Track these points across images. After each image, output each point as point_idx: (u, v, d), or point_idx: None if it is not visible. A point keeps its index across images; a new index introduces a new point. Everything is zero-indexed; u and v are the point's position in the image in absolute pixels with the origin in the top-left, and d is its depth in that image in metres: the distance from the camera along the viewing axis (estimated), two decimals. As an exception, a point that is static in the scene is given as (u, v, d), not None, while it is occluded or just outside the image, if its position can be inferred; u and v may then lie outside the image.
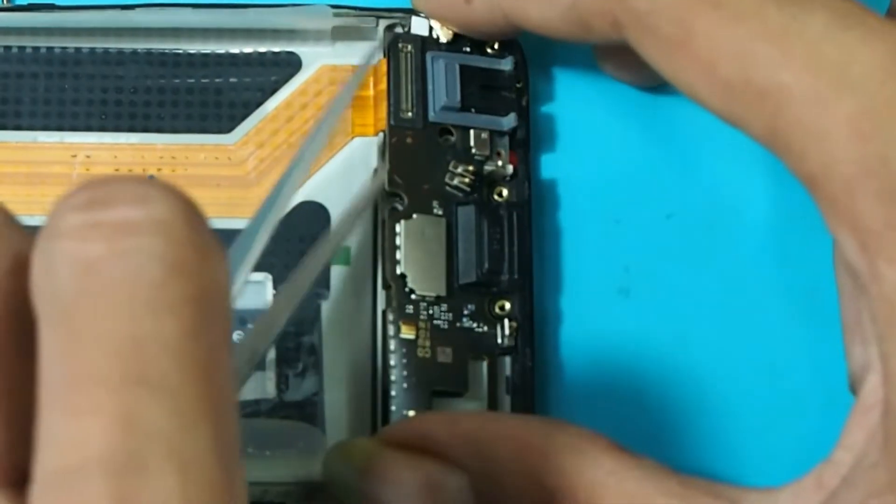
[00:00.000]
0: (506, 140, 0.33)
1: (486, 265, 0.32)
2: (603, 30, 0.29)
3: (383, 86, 0.34)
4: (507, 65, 0.34)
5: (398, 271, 0.32)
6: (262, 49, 0.34)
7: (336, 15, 0.34)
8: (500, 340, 0.32)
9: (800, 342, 0.33)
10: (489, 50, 0.34)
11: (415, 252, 0.32)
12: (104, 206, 0.20)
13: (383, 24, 0.34)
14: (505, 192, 0.33)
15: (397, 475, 0.28)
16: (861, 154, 0.24)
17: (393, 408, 0.31)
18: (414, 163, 0.33)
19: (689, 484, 0.28)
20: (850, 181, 0.24)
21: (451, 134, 0.33)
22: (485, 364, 0.32)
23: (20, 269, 0.20)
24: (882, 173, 0.24)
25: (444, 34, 0.34)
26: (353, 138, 0.34)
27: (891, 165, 0.24)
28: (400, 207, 0.32)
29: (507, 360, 0.32)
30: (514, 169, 0.33)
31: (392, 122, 0.33)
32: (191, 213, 0.20)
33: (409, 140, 0.33)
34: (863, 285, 0.26)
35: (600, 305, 0.34)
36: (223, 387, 0.20)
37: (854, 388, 0.30)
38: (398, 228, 0.32)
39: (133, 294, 0.19)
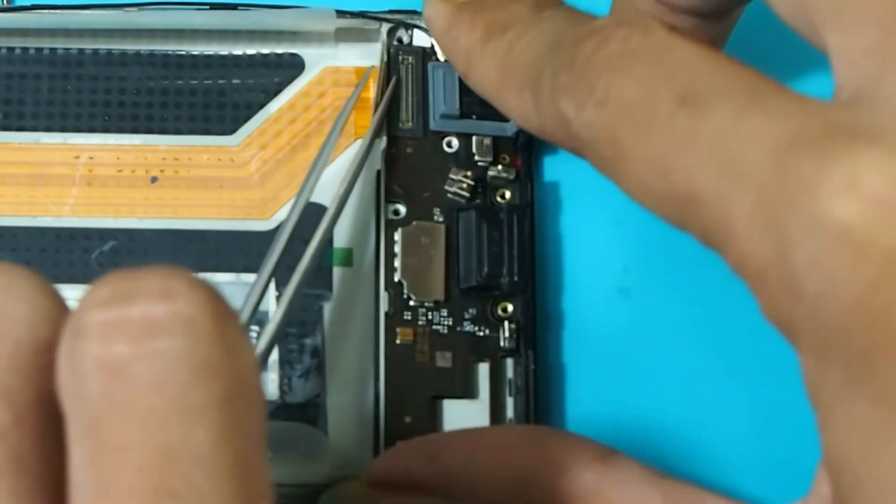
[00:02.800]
0: (509, 145, 0.33)
1: (486, 268, 0.32)
2: (566, 145, 0.28)
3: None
4: (510, 68, 0.34)
5: (395, 279, 0.32)
6: (266, 51, 0.34)
7: (339, 17, 0.34)
8: (502, 343, 0.32)
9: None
10: (492, 53, 0.34)
11: (412, 259, 0.32)
12: (127, 302, 0.19)
13: (386, 26, 0.34)
14: (507, 195, 0.33)
15: None
16: (761, 248, 0.23)
17: (393, 413, 0.32)
18: (414, 172, 0.33)
19: (673, 494, 0.28)
20: (759, 277, 0.23)
21: (454, 141, 0.33)
22: (487, 367, 0.32)
23: (53, 348, 0.20)
24: (782, 267, 0.22)
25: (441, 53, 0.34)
26: (355, 140, 0.34)
27: (790, 257, 0.22)
28: (399, 216, 0.33)
29: (510, 362, 0.32)
30: (517, 172, 0.33)
31: (391, 133, 0.33)
32: (216, 306, 0.20)
33: (409, 150, 0.33)
34: None
35: (600, 305, 0.34)
36: (257, 490, 0.19)
37: None
38: (396, 237, 0.33)
39: (160, 401, 0.19)
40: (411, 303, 0.32)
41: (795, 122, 0.22)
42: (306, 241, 0.33)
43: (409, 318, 0.32)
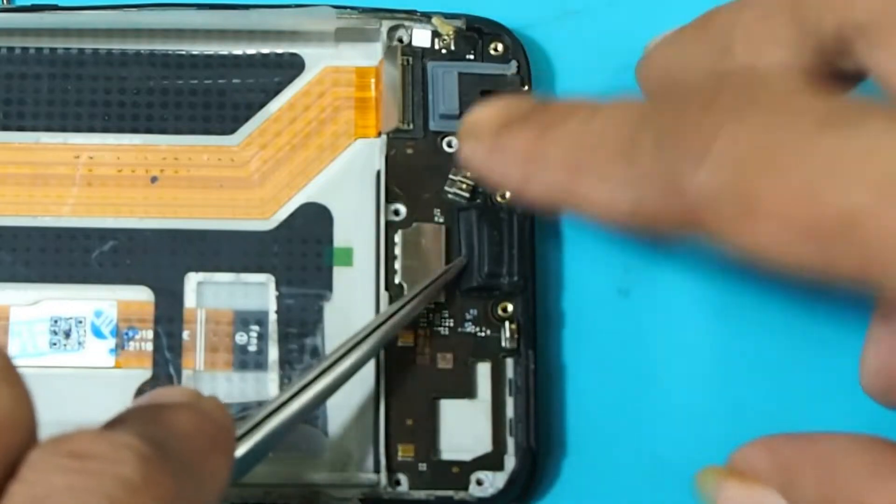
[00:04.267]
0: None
1: (486, 268, 0.32)
2: (671, 217, 0.27)
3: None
4: (510, 69, 0.34)
5: (396, 281, 0.32)
6: (266, 50, 0.34)
7: (339, 16, 0.34)
8: (503, 343, 0.32)
9: (800, 342, 0.33)
10: (492, 52, 0.34)
11: (412, 261, 0.32)
12: None
13: (386, 25, 0.34)
14: (507, 195, 0.33)
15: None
16: None
17: (393, 414, 0.32)
18: (414, 172, 0.33)
19: None
20: None
21: (454, 141, 0.33)
22: (488, 367, 0.32)
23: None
24: None
25: (444, 42, 0.34)
26: (355, 140, 0.34)
27: None
28: (399, 217, 0.33)
29: (510, 361, 0.32)
30: (517, 170, 0.33)
31: (390, 135, 0.33)
32: None
33: (409, 151, 0.33)
34: None
35: (600, 305, 0.34)
36: None
37: (868, 386, 0.29)
38: (396, 239, 0.33)
39: None
40: None
41: None
42: (305, 241, 0.33)
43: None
